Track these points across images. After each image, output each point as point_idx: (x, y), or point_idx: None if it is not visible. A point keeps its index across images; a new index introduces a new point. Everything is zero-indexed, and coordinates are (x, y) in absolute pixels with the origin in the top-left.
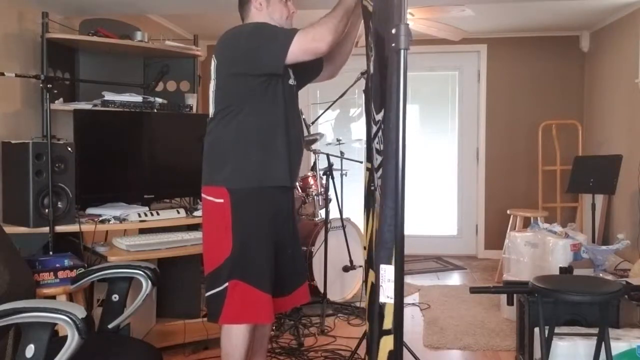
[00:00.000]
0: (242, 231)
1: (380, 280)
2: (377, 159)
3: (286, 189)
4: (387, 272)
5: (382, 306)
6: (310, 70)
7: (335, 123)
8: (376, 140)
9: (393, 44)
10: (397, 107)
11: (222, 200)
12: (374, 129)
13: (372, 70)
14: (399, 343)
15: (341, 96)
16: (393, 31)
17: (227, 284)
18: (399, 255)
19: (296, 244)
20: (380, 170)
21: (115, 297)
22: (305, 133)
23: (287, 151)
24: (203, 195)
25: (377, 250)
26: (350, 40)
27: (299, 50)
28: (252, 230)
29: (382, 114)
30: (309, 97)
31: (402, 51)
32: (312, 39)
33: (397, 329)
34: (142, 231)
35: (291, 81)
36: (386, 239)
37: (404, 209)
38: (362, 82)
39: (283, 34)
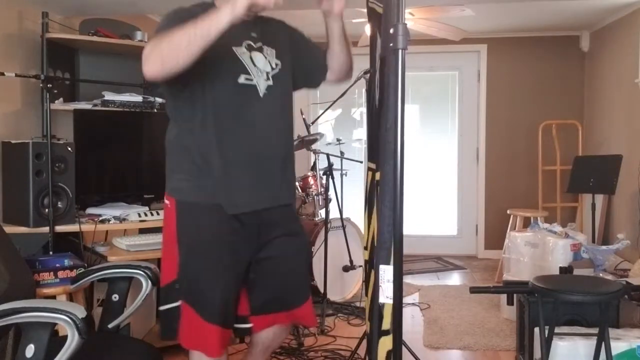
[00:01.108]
0: (187, 247)
1: (380, 281)
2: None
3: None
4: (386, 272)
5: (381, 306)
6: (307, 68)
7: (336, 123)
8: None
9: (391, 44)
10: (395, 107)
11: (169, 206)
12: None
13: (377, 71)
14: (398, 343)
15: (341, 96)
16: (391, 31)
17: (179, 303)
18: (397, 255)
19: (299, 259)
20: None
21: (115, 297)
22: (305, 133)
23: (225, 171)
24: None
25: (377, 250)
26: (337, 61)
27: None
28: (196, 247)
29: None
30: (309, 97)
31: (400, 51)
32: (147, 56)
33: (396, 329)
34: (142, 231)
35: (242, 79)
36: (385, 239)
37: (403, 209)
38: (363, 82)
39: (160, 29)
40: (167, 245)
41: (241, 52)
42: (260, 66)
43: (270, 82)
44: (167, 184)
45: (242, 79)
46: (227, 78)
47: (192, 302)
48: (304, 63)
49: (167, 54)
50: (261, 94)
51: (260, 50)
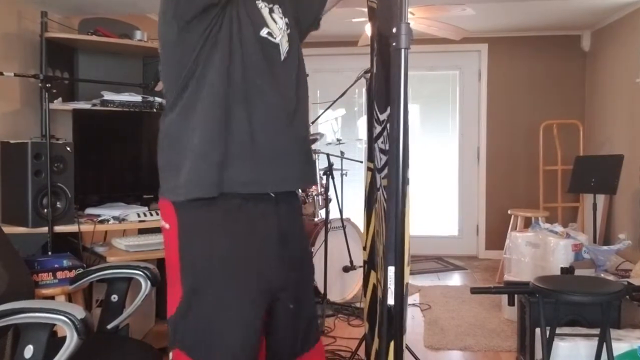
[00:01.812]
0: (194, 276)
1: (389, 282)
2: (381, 159)
3: (270, 198)
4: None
5: (390, 308)
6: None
7: (337, 122)
8: (380, 139)
9: (394, 43)
10: (398, 107)
11: (168, 226)
12: (378, 128)
13: (375, 70)
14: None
15: (341, 96)
16: (394, 30)
17: (171, 355)
18: (398, 256)
19: (304, 291)
20: (385, 170)
21: (114, 298)
22: None
23: (251, 137)
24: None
25: (385, 252)
26: None
27: None
28: (210, 274)
29: (386, 113)
30: (309, 97)
31: (402, 50)
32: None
33: (397, 329)
34: (142, 231)
35: (265, 32)
36: (392, 240)
37: (405, 209)
38: (363, 81)
39: None
40: (168, 269)
41: (260, 4)
42: (280, 25)
43: (288, 47)
44: (162, 186)
45: (264, 32)
46: (247, 26)
47: (198, 354)
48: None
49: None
50: (282, 57)
51: (272, 10)
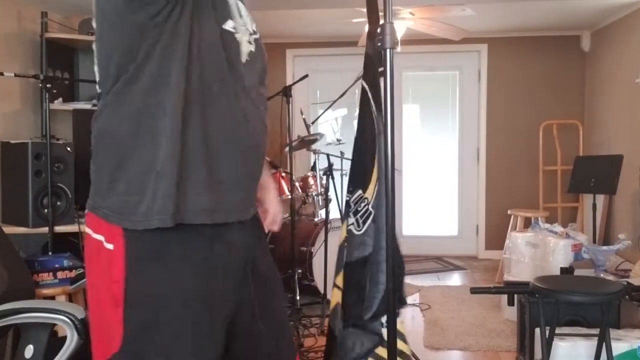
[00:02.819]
0: (143, 311)
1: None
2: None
3: (233, 224)
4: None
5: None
6: None
7: (337, 122)
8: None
9: (379, 44)
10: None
11: (111, 247)
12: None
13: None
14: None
15: (341, 96)
16: (378, 30)
17: None
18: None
19: (279, 308)
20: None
21: None
22: (305, 133)
23: (207, 154)
24: (86, 227)
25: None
26: None
27: None
28: (163, 310)
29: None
30: (309, 97)
31: (388, 50)
32: None
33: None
34: None
35: (229, 25)
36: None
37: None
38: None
39: None
40: (96, 299)
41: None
42: (245, 20)
43: (253, 48)
44: (95, 199)
45: (228, 25)
46: (209, 15)
47: None
48: None
49: None
50: (243, 59)
51: (241, 3)
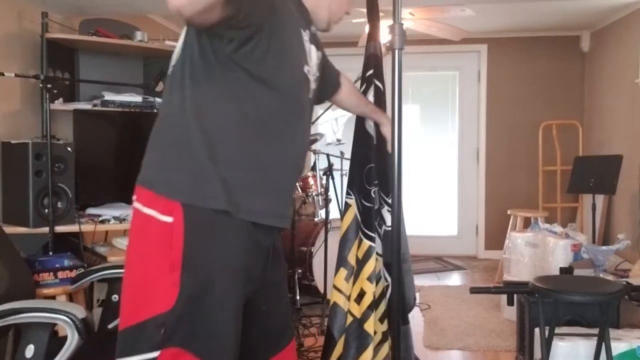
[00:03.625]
0: (199, 276)
1: None
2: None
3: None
4: None
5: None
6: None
7: (337, 123)
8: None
9: (387, 44)
10: (392, 107)
11: (170, 219)
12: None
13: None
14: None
15: None
16: (388, 31)
17: (156, 354)
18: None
19: (282, 293)
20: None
21: (115, 298)
22: None
23: (270, 170)
24: (135, 202)
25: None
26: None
27: None
28: (215, 276)
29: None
30: None
31: (396, 51)
32: None
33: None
34: None
35: (305, 69)
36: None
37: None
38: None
39: None
40: (145, 268)
41: (305, 38)
42: (314, 64)
43: (314, 86)
44: (158, 176)
45: (305, 68)
46: (292, 57)
47: (201, 351)
48: (323, 76)
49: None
50: (310, 95)
51: (310, 41)
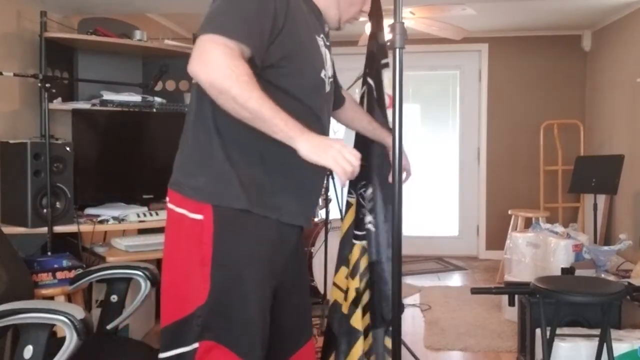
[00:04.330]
0: (228, 270)
1: None
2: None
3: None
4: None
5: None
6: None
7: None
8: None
9: (388, 43)
10: (392, 107)
11: (200, 217)
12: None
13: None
14: (397, 343)
15: None
16: (388, 30)
17: (196, 345)
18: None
19: (304, 291)
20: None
21: (114, 298)
22: None
23: (298, 174)
24: (168, 203)
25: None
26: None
27: (202, 44)
28: (243, 270)
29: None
30: None
31: (397, 50)
32: (217, 65)
33: (396, 330)
34: (141, 231)
35: (323, 74)
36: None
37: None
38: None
39: (240, 14)
40: (181, 265)
41: (320, 43)
42: (328, 67)
43: (329, 89)
44: (189, 181)
45: (322, 74)
46: (311, 64)
47: (231, 342)
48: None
49: (228, 97)
50: (328, 98)
51: (324, 45)
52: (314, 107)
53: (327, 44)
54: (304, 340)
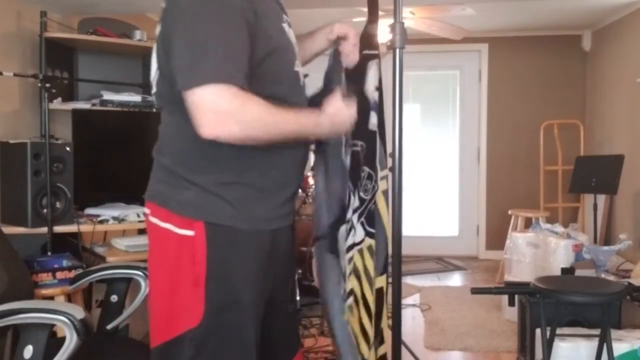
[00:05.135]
0: (224, 290)
1: None
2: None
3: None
4: None
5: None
6: None
7: None
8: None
9: (388, 43)
10: (393, 107)
11: (191, 233)
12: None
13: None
14: (397, 343)
15: None
16: (389, 30)
17: None
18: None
19: (294, 297)
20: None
21: (114, 298)
22: None
23: (284, 175)
24: (150, 217)
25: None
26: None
27: (203, 100)
28: (239, 290)
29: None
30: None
31: (397, 50)
32: (235, 122)
33: (396, 330)
34: (141, 231)
35: (296, 65)
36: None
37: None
38: None
39: (218, 50)
40: (170, 284)
41: (286, 29)
42: (297, 51)
43: (302, 80)
44: (174, 196)
45: (296, 65)
46: (286, 63)
47: None
48: None
49: (259, 138)
50: (304, 88)
51: (291, 33)
52: (297, 103)
53: (288, 20)
54: (294, 352)
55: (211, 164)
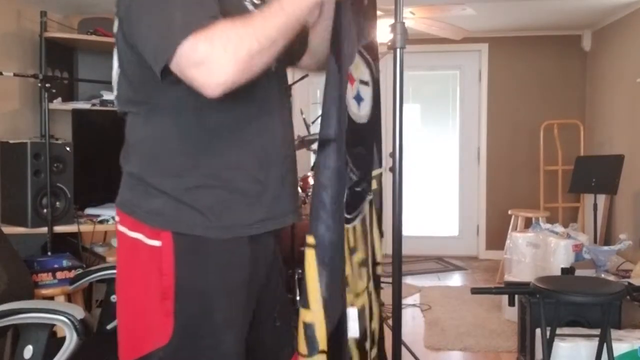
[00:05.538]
0: (195, 304)
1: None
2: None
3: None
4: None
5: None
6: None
7: None
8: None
9: (389, 43)
10: (393, 107)
11: (158, 244)
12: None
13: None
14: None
15: None
16: (390, 30)
17: None
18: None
19: (283, 306)
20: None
21: (114, 298)
22: (305, 133)
23: (260, 168)
24: (119, 225)
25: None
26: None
27: (185, 60)
28: (212, 302)
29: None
30: (309, 96)
31: (398, 50)
32: (223, 50)
33: (396, 329)
34: None
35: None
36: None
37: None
38: None
39: (185, 11)
40: (136, 297)
41: (248, 5)
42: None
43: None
44: (141, 204)
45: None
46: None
47: None
48: None
49: (258, 51)
50: (273, 68)
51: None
52: (247, 100)
53: (257, 2)
54: (290, 355)
55: (179, 166)
